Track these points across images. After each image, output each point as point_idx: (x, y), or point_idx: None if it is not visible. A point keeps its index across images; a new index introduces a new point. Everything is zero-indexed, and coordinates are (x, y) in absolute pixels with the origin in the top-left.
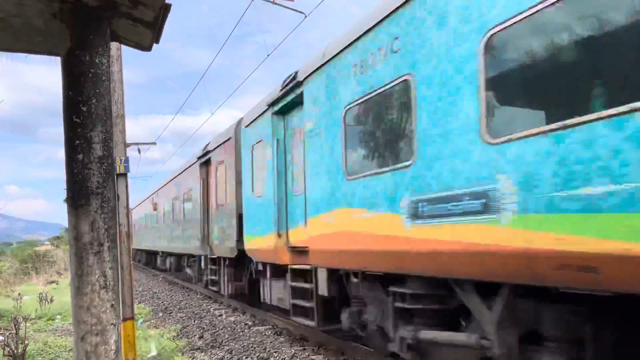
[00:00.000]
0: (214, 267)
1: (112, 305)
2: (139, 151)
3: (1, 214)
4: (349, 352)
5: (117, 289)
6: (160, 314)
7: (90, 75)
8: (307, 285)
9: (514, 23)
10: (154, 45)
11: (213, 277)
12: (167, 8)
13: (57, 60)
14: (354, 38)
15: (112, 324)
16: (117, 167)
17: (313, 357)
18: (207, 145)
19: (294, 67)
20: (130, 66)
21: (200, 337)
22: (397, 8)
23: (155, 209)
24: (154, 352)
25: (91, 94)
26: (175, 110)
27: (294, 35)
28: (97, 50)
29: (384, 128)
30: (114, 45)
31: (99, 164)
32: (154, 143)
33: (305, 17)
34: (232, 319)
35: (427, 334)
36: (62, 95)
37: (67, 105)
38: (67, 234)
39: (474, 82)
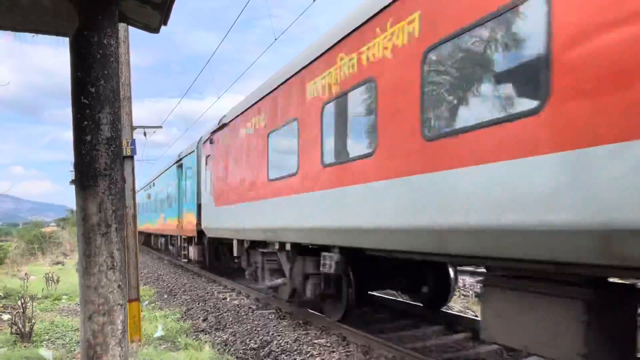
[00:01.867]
0: None
1: (119, 286)
2: (145, 134)
3: (7, 195)
4: (351, 338)
5: (124, 270)
6: (165, 296)
7: (99, 56)
8: None
9: None
10: (162, 27)
11: None
12: None
13: (65, 41)
14: None
15: (119, 304)
16: (124, 150)
17: (316, 341)
18: None
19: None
20: (134, 48)
21: (205, 320)
22: None
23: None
24: (160, 333)
25: (99, 75)
26: (180, 93)
27: (301, 20)
28: (106, 31)
29: None
30: (120, 26)
31: (107, 146)
32: (160, 127)
33: (314, 1)
34: (236, 302)
35: None
36: (70, 76)
37: (75, 86)
38: (73, 215)
39: None
